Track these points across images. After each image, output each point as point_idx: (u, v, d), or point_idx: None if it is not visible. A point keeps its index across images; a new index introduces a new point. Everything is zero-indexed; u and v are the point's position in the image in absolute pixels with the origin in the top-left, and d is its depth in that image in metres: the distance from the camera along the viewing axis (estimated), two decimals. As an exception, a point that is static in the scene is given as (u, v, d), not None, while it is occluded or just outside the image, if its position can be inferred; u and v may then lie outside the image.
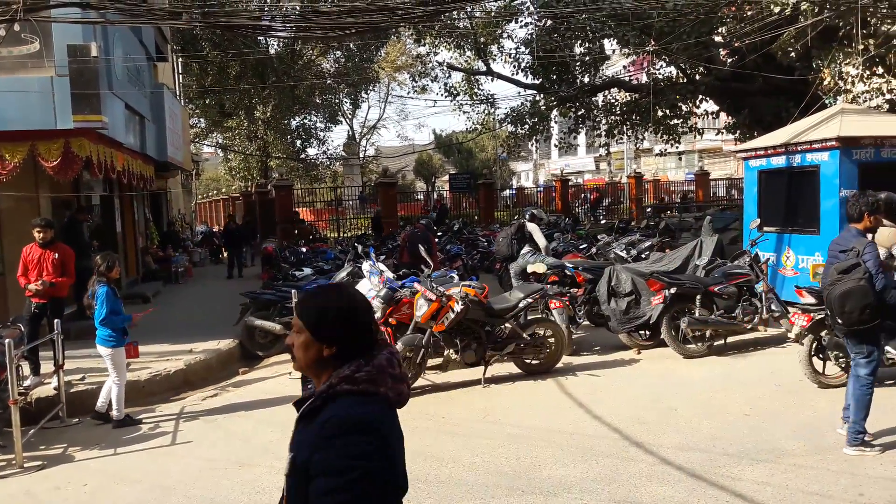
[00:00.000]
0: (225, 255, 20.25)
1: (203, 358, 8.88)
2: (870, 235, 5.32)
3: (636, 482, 4.73)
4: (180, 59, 24.85)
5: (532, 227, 9.60)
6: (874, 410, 5.09)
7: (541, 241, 9.55)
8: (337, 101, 34.85)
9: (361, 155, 41.37)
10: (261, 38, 24.02)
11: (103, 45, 10.13)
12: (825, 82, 14.73)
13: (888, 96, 16.71)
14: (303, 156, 33.29)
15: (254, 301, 10.07)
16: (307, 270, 12.48)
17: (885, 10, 12.00)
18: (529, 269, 8.96)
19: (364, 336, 1.95)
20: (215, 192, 46.88)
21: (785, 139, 10.60)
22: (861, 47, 12.73)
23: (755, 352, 8.15)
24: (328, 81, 30.63)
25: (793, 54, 16.49)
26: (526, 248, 9.50)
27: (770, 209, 10.92)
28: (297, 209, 23.43)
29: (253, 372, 8.99)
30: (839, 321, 4.99)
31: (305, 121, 32.88)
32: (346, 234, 23.25)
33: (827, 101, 14.55)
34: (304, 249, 16.07)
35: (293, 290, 8.82)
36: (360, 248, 12.37)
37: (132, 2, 9.28)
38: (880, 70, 16.18)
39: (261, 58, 25.09)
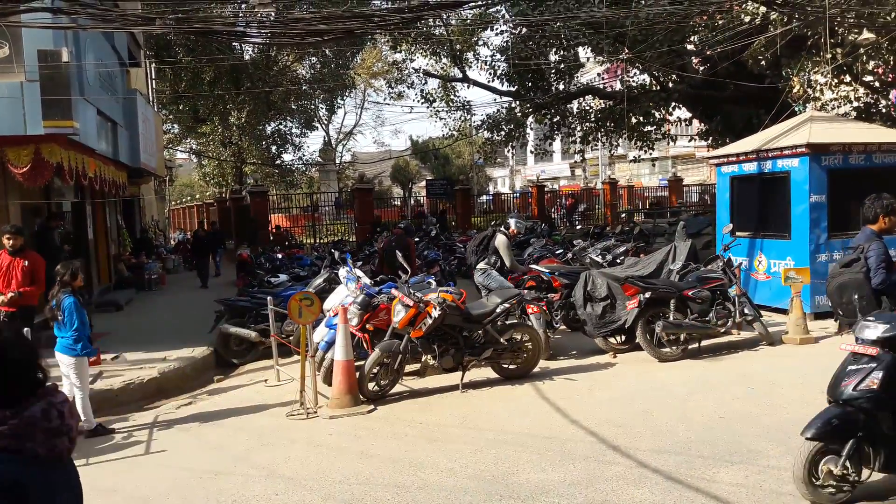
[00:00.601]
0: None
1: (177, 366, 8.79)
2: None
3: (613, 485, 4.76)
4: (154, 65, 24.60)
5: (500, 242, 9.15)
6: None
7: (507, 258, 9.09)
8: (313, 106, 34.75)
9: (338, 161, 41.26)
10: (235, 43, 23.91)
11: (75, 50, 10.00)
12: (795, 90, 15.00)
13: (855, 104, 17.07)
14: (278, 162, 33.14)
15: (228, 308, 9.99)
16: (283, 277, 12.41)
17: (851, 20, 12.27)
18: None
19: (10, 384, 1.74)
20: (189, 198, 46.42)
21: (756, 146, 10.79)
22: (829, 56, 12.99)
23: (728, 355, 8.26)
24: (304, 87, 30.54)
25: (763, 63, 16.79)
26: (482, 264, 9.18)
27: (742, 214, 11.10)
28: (271, 215, 23.27)
29: (228, 380, 8.90)
30: (840, 312, 5.17)
31: (281, 126, 32.76)
32: (322, 241, 23.15)
33: (796, 109, 14.81)
34: (279, 256, 15.97)
35: (269, 297, 8.77)
36: (336, 253, 12.33)
37: (104, 7, 9.19)
38: (848, 78, 16.54)
39: (235, 63, 24.94)
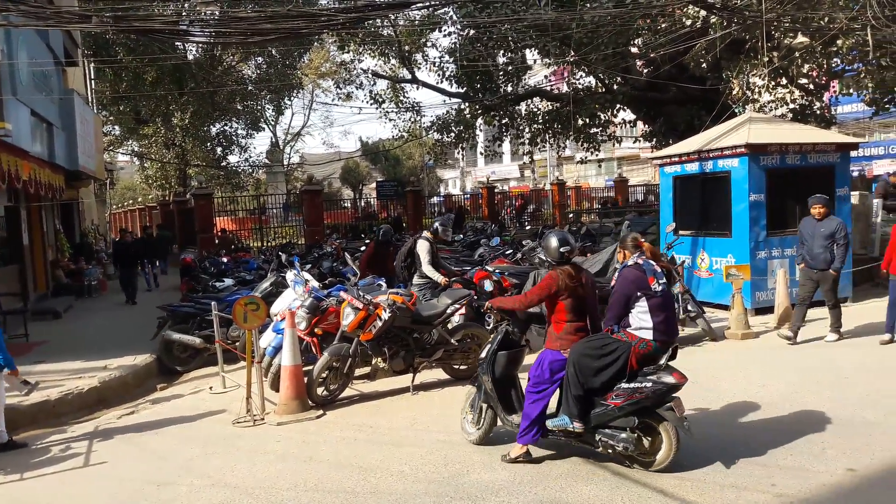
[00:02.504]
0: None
1: (118, 374, 8.52)
2: None
3: (562, 483, 4.79)
4: (92, 64, 23.86)
5: (421, 248, 8.59)
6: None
7: (430, 270, 8.51)
8: (259, 107, 34.19)
9: (285, 162, 40.68)
10: (178, 43, 23.34)
11: (6, 48, 9.62)
12: (734, 92, 15.45)
13: (791, 106, 17.68)
14: (223, 163, 32.49)
15: (172, 314, 9.74)
16: (228, 281, 12.17)
17: (787, 24, 12.69)
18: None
19: None
20: (131, 201, 45.12)
21: (697, 146, 11.06)
22: (766, 59, 13.41)
23: (674, 351, 8.41)
24: (249, 87, 30.03)
25: (704, 65, 17.26)
26: (417, 279, 8.56)
27: (685, 213, 11.36)
28: (217, 218, 22.77)
29: (172, 388, 8.68)
30: None
31: (226, 128, 32.14)
32: (270, 244, 22.79)
33: (736, 110, 15.26)
34: (225, 260, 15.63)
35: (213, 302, 8.58)
36: (284, 257, 12.14)
37: (37, 3, 8.84)
38: (784, 81, 17.12)
39: (178, 63, 24.36)
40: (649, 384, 4.70)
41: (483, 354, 5.51)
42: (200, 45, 25.26)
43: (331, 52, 35.38)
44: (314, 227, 21.52)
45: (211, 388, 8.12)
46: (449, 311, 7.27)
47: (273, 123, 40.26)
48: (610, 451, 4.86)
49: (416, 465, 5.27)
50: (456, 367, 7.52)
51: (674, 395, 4.76)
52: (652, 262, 4.97)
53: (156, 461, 5.84)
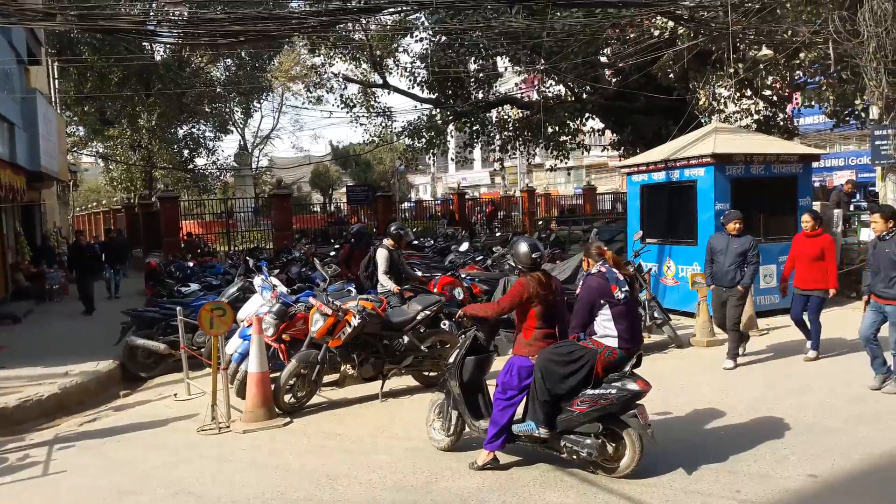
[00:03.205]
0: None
1: (80, 381, 8.32)
2: None
3: (531, 490, 4.80)
4: (56, 63, 23.38)
5: (379, 256, 8.51)
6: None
7: (384, 279, 8.44)
8: (227, 110, 33.84)
9: (254, 166, 40.28)
10: (146, 43, 23.01)
11: (-35, 45, 9.37)
12: (701, 102, 15.71)
13: (756, 116, 18.05)
14: (190, 166, 32.07)
15: (136, 319, 9.56)
16: (194, 286, 11.97)
17: (752, 37, 12.96)
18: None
19: None
20: (95, 203, 44.26)
21: (665, 155, 11.22)
22: (732, 70, 13.67)
23: (641, 358, 8.50)
24: (218, 90, 29.70)
25: (671, 75, 17.54)
26: (383, 286, 8.45)
27: (652, 221, 11.50)
28: (183, 222, 22.44)
29: (135, 394, 8.51)
30: None
31: (193, 130, 31.74)
32: (237, 248, 22.53)
33: (702, 121, 15.53)
34: (190, 264, 15.39)
35: (179, 308, 8.44)
36: (251, 261, 12.01)
37: (0, 1, 8.64)
38: (749, 92, 17.47)
39: (145, 64, 24.00)
40: (614, 391, 4.76)
41: (451, 360, 5.51)
42: (168, 46, 24.93)
43: (301, 55, 35.22)
44: (283, 231, 21.32)
45: (176, 394, 7.98)
46: (419, 317, 7.25)
47: (242, 126, 39.95)
48: (574, 456, 4.90)
49: (385, 473, 5.23)
50: (426, 373, 7.49)
51: (638, 402, 4.81)
52: (615, 270, 5.03)
53: (118, 470, 5.71)
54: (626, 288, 4.97)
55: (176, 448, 6.12)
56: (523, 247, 5.19)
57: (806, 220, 7.98)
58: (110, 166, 32.61)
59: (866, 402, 6.37)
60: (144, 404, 7.89)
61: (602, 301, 4.91)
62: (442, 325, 7.04)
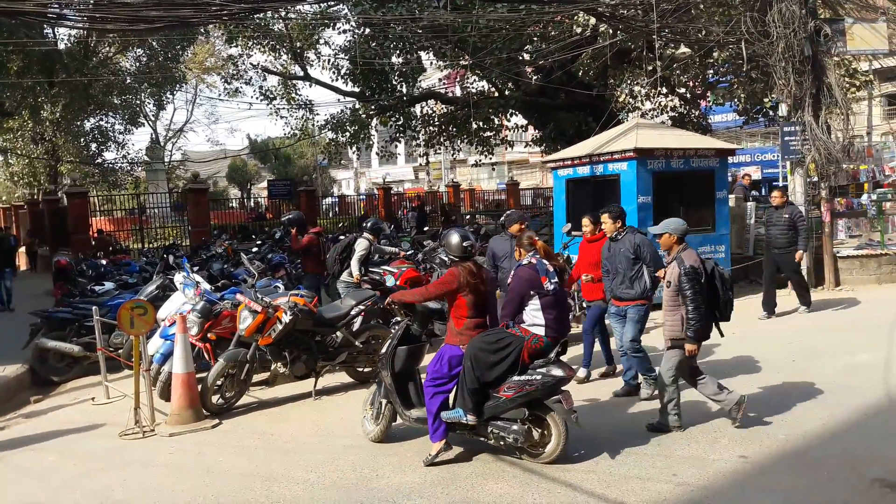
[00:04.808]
0: None
1: (-17, 388, 7.74)
2: None
3: (473, 482, 4.78)
4: (-54, 49, 21.68)
5: (360, 245, 8.80)
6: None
7: (355, 266, 8.68)
8: (138, 101, 32.32)
9: (167, 160, 38.70)
10: (48, 29, 21.69)
11: None
12: (621, 99, 16.11)
13: (671, 113, 18.70)
14: (99, 160, 30.47)
15: (46, 321, 8.97)
16: (109, 285, 11.33)
17: (669, 35, 13.38)
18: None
19: None
20: (-7, 200, 41.48)
21: (589, 150, 11.44)
22: (650, 68, 14.08)
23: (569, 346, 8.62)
24: (128, 80, 28.30)
25: (591, 73, 17.93)
26: (346, 276, 8.82)
27: (578, 215, 11.66)
28: (92, 218, 21.28)
29: (48, 399, 7.98)
30: None
31: (102, 122, 30.15)
32: (151, 245, 21.56)
33: (620, 117, 15.95)
34: (104, 262, 14.59)
35: (94, 307, 7.97)
36: (171, 258, 11.49)
37: None
38: (664, 90, 18.07)
39: (48, 51, 22.60)
40: (539, 377, 4.86)
41: (384, 350, 5.53)
42: (75, 32, 23.58)
43: (217, 46, 34.07)
44: (200, 227, 20.52)
45: (94, 399, 7.54)
46: (353, 312, 7.10)
47: (153, 119, 38.28)
48: (501, 442, 5.00)
49: (323, 472, 5.09)
50: (360, 369, 7.36)
51: (563, 388, 4.92)
52: (545, 261, 5.11)
53: (31, 481, 5.33)
54: (556, 279, 5.04)
55: (97, 455, 5.76)
56: (455, 237, 5.24)
57: (586, 224, 7.19)
58: (10, 160, 30.60)
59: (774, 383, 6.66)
60: (59, 410, 7.41)
61: (532, 292, 4.99)
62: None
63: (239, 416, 6.60)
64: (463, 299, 5.13)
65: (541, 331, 4.96)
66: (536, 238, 5.33)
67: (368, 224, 9.27)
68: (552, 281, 4.99)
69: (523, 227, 7.21)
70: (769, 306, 9.84)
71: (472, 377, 4.92)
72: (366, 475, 4.99)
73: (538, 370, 4.88)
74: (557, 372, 4.84)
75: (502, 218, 7.97)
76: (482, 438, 5.10)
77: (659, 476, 4.69)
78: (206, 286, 7.80)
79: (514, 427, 4.90)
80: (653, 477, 4.68)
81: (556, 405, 4.89)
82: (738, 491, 4.46)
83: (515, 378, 4.90)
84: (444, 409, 5.11)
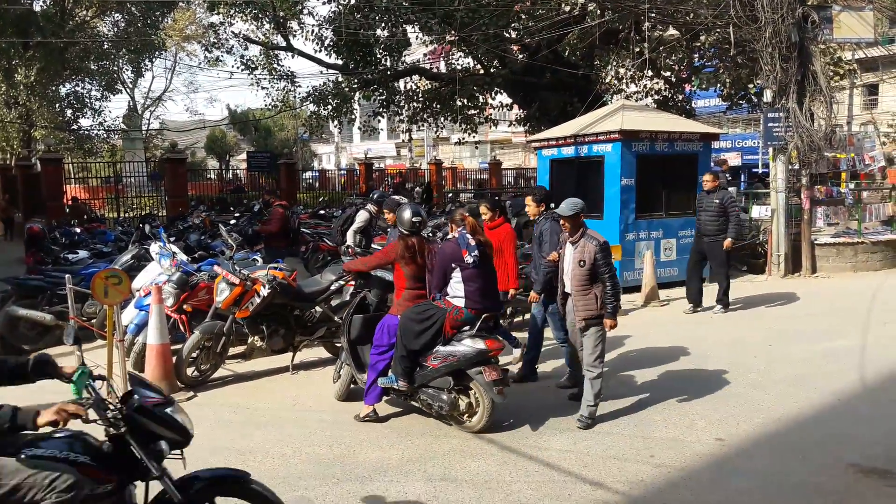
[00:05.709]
0: None
1: (-49, 356, 7.54)
2: None
3: (451, 459, 4.75)
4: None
5: (360, 216, 8.98)
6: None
7: (350, 236, 8.99)
8: (116, 68, 31.59)
9: (145, 128, 37.99)
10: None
11: None
12: (608, 80, 16.03)
13: (656, 96, 18.67)
14: (74, 127, 29.81)
15: (18, 287, 8.75)
16: (83, 253, 11.10)
17: (657, 17, 13.31)
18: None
19: None
20: (-37, 164, 40.47)
21: (574, 131, 11.38)
22: (637, 50, 14.00)
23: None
24: (105, 46, 27.63)
25: (578, 53, 17.82)
26: (346, 243, 8.81)
27: (561, 195, 11.58)
28: (67, 185, 20.86)
29: (18, 369, 7.80)
30: None
31: (78, 88, 29.45)
32: (127, 214, 21.20)
33: (605, 99, 15.89)
34: (78, 230, 14.30)
35: (67, 275, 7.78)
36: (147, 227, 11.29)
37: None
38: (650, 73, 18.03)
39: (23, 12, 21.95)
40: (462, 349, 5.09)
41: (343, 318, 6.00)
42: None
43: (198, 14, 33.34)
44: (177, 198, 20.23)
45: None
46: (333, 287, 7.01)
47: (131, 86, 37.46)
48: (431, 409, 5.26)
49: (300, 446, 5.04)
50: (339, 345, 7.27)
51: (490, 360, 5.09)
52: (469, 235, 5.24)
53: None
54: (476, 253, 5.17)
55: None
56: (407, 212, 5.55)
57: (485, 211, 6.83)
58: (-18, 123, 29.83)
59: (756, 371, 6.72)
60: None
61: (453, 265, 5.19)
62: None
63: (214, 389, 6.52)
64: (401, 270, 5.46)
65: (461, 302, 5.15)
66: (467, 214, 5.51)
67: (374, 196, 9.48)
68: (472, 254, 5.14)
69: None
70: (694, 297, 9.28)
71: (401, 345, 5.18)
72: (344, 450, 4.95)
73: (463, 342, 5.10)
74: (480, 345, 5.05)
75: (381, 200, 8.43)
76: (416, 404, 5.39)
77: (637, 457, 4.70)
78: (182, 257, 7.67)
79: (443, 396, 5.16)
80: (630, 458, 4.69)
81: (477, 376, 5.06)
82: (714, 472, 4.48)
83: (441, 349, 5.15)
84: (383, 375, 5.34)
